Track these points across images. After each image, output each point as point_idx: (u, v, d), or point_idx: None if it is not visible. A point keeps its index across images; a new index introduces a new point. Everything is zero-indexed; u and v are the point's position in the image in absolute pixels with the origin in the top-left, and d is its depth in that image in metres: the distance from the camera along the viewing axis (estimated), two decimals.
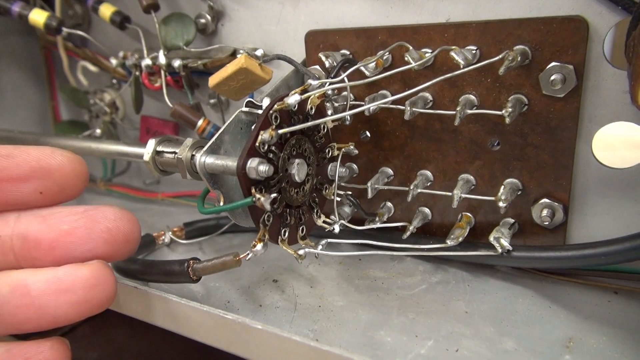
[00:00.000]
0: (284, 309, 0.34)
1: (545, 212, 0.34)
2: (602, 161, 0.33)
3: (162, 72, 0.44)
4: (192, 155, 0.36)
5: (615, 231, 0.34)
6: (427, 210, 0.39)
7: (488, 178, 0.36)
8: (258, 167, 0.28)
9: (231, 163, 0.29)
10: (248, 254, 0.30)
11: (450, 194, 0.35)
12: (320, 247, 0.34)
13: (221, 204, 0.31)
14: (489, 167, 0.35)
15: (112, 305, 0.35)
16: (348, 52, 0.38)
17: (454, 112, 0.33)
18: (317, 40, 0.39)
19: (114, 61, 0.48)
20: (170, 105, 0.43)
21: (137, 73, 0.47)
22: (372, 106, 0.33)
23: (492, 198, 0.34)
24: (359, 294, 0.35)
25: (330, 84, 0.32)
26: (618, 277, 0.34)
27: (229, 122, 0.32)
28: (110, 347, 0.50)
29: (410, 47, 0.33)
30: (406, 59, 0.33)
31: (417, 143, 0.38)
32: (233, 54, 0.44)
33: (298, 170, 0.32)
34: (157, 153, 0.38)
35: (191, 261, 0.31)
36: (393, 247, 0.35)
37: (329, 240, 0.34)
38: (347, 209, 0.39)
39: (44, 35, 0.56)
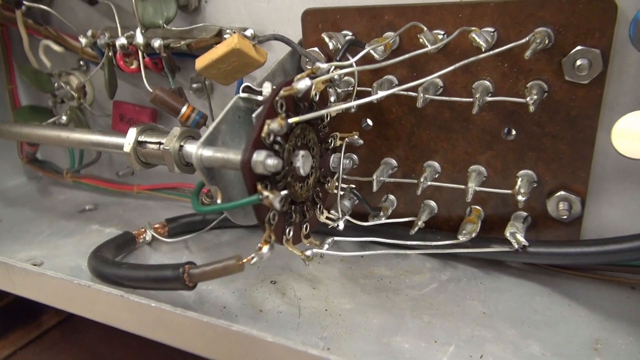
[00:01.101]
0: (287, 314, 0.31)
1: (562, 205, 0.32)
2: (621, 152, 0.31)
3: (140, 53, 0.40)
4: (181, 146, 0.33)
5: (631, 224, 0.33)
6: (433, 203, 0.37)
7: (501, 169, 0.34)
8: (266, 161, 0.25)
9: (233, 156, 0.26)
10: (253, 258, 0.27)
11: (463, 187, 0.33)
12: (326, 246, 0.31)
13: (218, 201, 0.28)
14: (502, 158, 0.33)
15: (93, 316, 0.31)
16: (350, 33, 0.35)
17: (471, 100, 0.30)
18: (316, 20, 0.36)
19: (82, 40, 0.43)
20: (150, 89, 0.39)
21: (111, 54, 0.42)
22: (385, 94, 0.30)
23: (509, 191, 0.32)
24: (367, 295, 0.33)
25: (339, 68, 0.29)
26: (634, 271, 0.33)
27: (226, 109, 0.29)
28: (84, 354, 0.46)
29: (425, 28, 0.30)
30: (421, 41, 0.30)
31: (425, 132, 0.35)
32: (219, 34, 0.40)
33: (303, 162, 0.29)
34: (139, 143, 0.34)
35: (187, 266, 0.28)
36: (405, 244, 0.33)
37: (335, 238, 0.32)
38: (347, 203, 0.37)
39: (1, 10, 0.50)
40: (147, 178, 0.51)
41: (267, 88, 0.29)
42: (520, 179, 0.32)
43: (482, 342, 0.28)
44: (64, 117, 0.49)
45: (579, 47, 0.29)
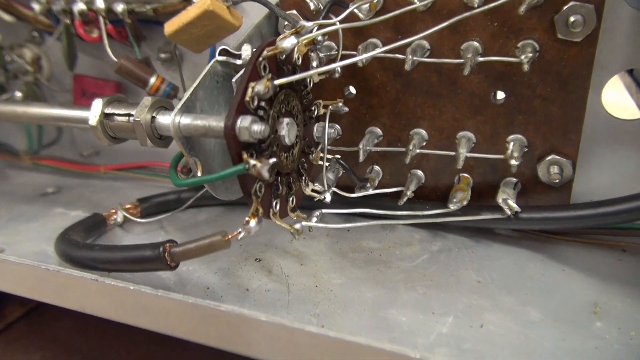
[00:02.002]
0: (275, 292, 0.29)
1: (554, 169, 0.31)
2: (612, 112, 0.31)
3: (101, 20, 0.36)
4: (153, 117, 0.30)
5: (620, 186, 0.32)
6: (420, 172, 0.35)
7: (490, 135, 0.33)
8: (251, 127, 0.23)
9: (215, 123, 0.24)
10: (240, 233, 0.25)
11: (452, 153, 0.32)
12: (314, 219, 0.29)
13: (199, 173, 0.26)
14: (491, 123, 0.32)
15: (64, 303, 0.29)
16: None
17: (461, 61, 0.29)
18: None
19: (35, 7, 0.39)
20: (115, 60, 0.36)
21: (68, 21, 0.39)
22: (372, 55, 0.28)
23: (501, 156, 0.31)
24: (358, 269, 0.31)
25: (323, 27, 0.27)
26: (624, 234, 0.32)
27: (203, 73, 0.26)
28: (54, 346, 0.43)
29: None
30: None
31: (411, 98, 0.34)
32: None
33: (288, 130, 0.27)
34: (106, 116, 0.31)
35: (167, 244, 0.26)
36: (395, 215, 0.32)
37: (323, 210, 0.30)
38: (330, 175, 0.35)
39: None
40: (114, 157, 0.48)
41: (246, 51, 0.27)
42: (512, 144, 0.31)
43: (480, 311, 0.27)
44: (18, 94, 0.45)
45: (572, 3, 0.28)
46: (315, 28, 0.27)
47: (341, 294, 0.29)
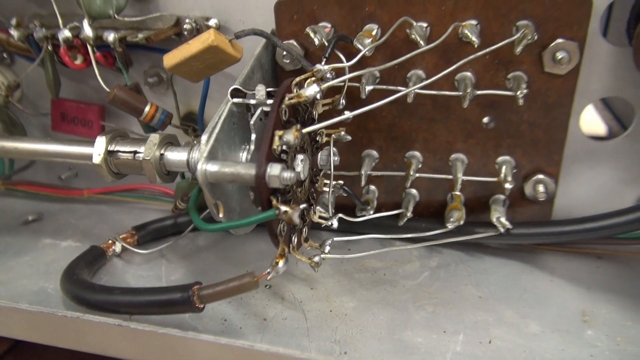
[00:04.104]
0: (292, 319, 0.30)
1: (540, 187, 0.34)
2: (588, 135, 0.34)
3: (90, 48, 0.35)
4: (162, 155, 0.30)
5: (597, 200, 0.36)
6: (414, 191, 0.37)
7: (480, 156, 0.35)
8: (282, 175, 0.24)
9: (244, 171, 0.25)
10: (269, 273, 0.26)
11: (450, 177, 0.34)
12: (327, 247, 0.31)
13: (220, 215, 0.27)
14: (482, 146, 0.35)
15: (85, 348, 0.29)
16: (329, 25, 0.33)
17: (460, 94, 0.31)
18: (291, 10, 0.34)
19: (14, 33, 0.37)
20: (107, 88, 0.35)
21: (50, 48, 0.37)
22: (389, 100, 0.30)
23: (495, 179, 0.33)
24: (366, 290, 0.33)
25: (349, 70, 0.28)
26: (598, 242, 0.36)
27: (222, 118, 0.27)
28: None
29: (414, 23, 0.30)
30: (413, 37, 0.30)
31: (406, 123, 0.35)
32: (177, 24, 0.37)
33: (303, 167, 0.28)
34: (110, 153, 0.31)
35: (195, 287, 0.26)
36: (405, 237, 0.34)
37: (335, 239, 0.31)
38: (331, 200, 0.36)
39: None
40: (94, 179, 0.46)
41: (260, 91, 0.28)
42: (504, 167, 0.34)
43: (486, 326, 0.29)
44: None
45: (560, 40, 0.30)
46: (329, 70, 0.28)
47: (356, 318, 0.30)
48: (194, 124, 0.40)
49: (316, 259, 0.29)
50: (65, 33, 0.36)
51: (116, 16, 0.36)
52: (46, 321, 0.29)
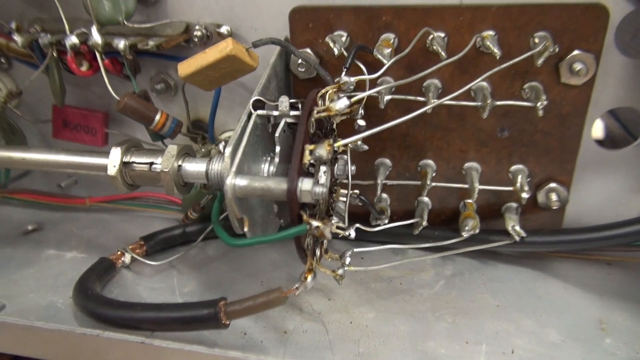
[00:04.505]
0: (313, 332, 0.30)
1: (553, 196, 0.34)
2: (598, 144, 0.34)
3: (98, 55, 0.35)
4: (179, 166, 0.30)
5: (607, 208, 0.36)
6: (426, 199, 0.37)
7: (493, 165, 0.35)
8: (314, 190, 0.24)
9: (274, 186, 0.24)
10: (297, 289, 0.25)
11: (466, 186, 0.34)
12: (348, 259, 0.31)
13: (245, 228, 0.26)
14: (496, 154, 0.35)
15: None
16: (345, 34, 0.33)
17: (480, 104, 0.31)
18: (306, 19, 0.33)
19: (17, 38, 0.36)
20: (116, 97, 0.34)
21: (55, 54, 0.36)
22: (415, 115, 0.29)
23: (511, 188, 0.34)
24: (384, 300, 0.33)
25: (371, 81, 0.28)
26: (608, 249, 0.36)
27: (248, 131, 0.26)
28: None
29: (435, 34, 0.30)
30: (434, 48, 0.30)
31: (421, 132, 0.35)
32: (186, 31, 0.36)
33: (326, 179, 0.27)
34: (125, 164, 0.30)
35: (221, 303, 0.26)
36: (420, 247, 0.34)
37: (355, 250, 0.31)
38: (342, 208, 0.36)
39: None
40: (95, 186, 0.45)
41: (283, 103, 0.28)
42: (519, 176, 0.34)
43: (507, 336, 0.30)
44: None
45: (577, 52, 0.30)
46: (348, 81, 0.28)
47: (377, 329, 0.30)
48: (202, 132, 0.39)
49: (340, 271, 0.28)
50: (72, 39, 0.35)
51: (125, 22, 0.35)
52: (63, 339, 0.28)
